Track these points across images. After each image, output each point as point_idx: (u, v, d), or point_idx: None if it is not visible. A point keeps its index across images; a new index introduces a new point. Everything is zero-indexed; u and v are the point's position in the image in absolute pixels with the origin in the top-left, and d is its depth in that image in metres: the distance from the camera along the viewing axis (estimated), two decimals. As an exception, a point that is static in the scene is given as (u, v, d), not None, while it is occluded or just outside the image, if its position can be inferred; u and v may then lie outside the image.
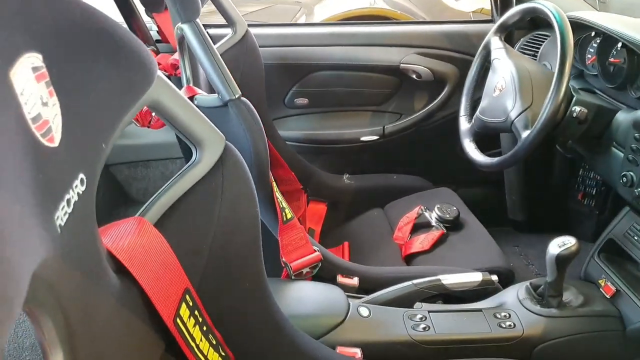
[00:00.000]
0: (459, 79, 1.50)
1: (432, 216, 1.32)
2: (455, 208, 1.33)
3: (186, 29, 0.85)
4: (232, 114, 0.85)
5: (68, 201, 0.35)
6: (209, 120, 0.61)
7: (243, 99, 0.87)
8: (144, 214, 0.54)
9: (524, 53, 1.38)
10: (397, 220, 1.39)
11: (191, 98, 0.94)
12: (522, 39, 1.44)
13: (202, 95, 0.92)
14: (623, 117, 0.98)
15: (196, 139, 0.59)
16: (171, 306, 0.50)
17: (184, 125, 0.57)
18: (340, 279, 1.02)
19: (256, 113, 0.88)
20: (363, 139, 1.58)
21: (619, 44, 1.04)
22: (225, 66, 0.85)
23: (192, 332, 0.54)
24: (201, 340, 0.56)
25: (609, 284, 0.97)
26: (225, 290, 0.62)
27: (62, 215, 0.34)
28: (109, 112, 0.43)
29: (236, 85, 0.85)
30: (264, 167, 0.91)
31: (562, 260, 0.88)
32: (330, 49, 1.52)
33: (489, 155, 1.13)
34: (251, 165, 0.90)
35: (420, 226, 1.33)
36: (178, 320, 0.51)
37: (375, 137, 1.58)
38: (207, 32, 1.46)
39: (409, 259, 1.27)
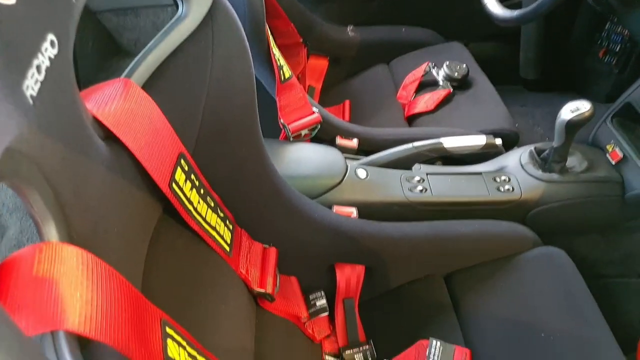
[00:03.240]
0: None
1: (440, 74, 1.25)
2: (465, 65, 1.25)
3: None
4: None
5: (38, 67, 0.31)
6: None
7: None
8: (129, 75, 0.49)
9: None
10: (403, 78, 1.32)
11: None
12: None
13: None
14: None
15: None
16: (165, 171, 0.49)
17: None
18: (339, 140, 1.00)
19: (247, -45, 0.76)
20: (370, -17, 1.42)
21: None
22: None
23: (189, 196, 0.53)
24: (199, 202, 0.56)
25: (617, 149, 0.94)
26: (221, 154, 0.60)
27: (32, 84, 0.30)
28: None
29: None
30: (259, 19, 0.82)
31: (572, 126, 0.84)
32: None
33: (507, 7, 1.02)
34: (244, 18, 0.81)
35: (427, 84, 1.27)
36: (174, 185, 0.50)
37: (384, -17, 1.42)
38: None
39: (412, 119, 1.23)
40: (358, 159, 0.98)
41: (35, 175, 0.31)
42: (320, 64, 1.42)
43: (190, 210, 0.53)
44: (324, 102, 1.37)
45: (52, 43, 0.32)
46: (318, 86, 1.40)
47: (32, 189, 0.31)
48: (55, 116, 0.33)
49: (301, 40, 1.28)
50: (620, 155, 0.93)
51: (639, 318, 0.98)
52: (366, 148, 1.04)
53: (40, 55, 0.31)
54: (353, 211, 0.86)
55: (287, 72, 0.92)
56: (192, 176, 0.54)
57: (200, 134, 0.55)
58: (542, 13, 0.90)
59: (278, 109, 0.92)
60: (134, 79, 0.48)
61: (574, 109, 0.83)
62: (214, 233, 0.57)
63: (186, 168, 0.52)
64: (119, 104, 0.43)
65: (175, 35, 0.52)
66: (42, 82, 0.31)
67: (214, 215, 0.58)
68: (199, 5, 0.52)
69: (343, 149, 0.98)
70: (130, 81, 0.47)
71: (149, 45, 0.50)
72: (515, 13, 0.97)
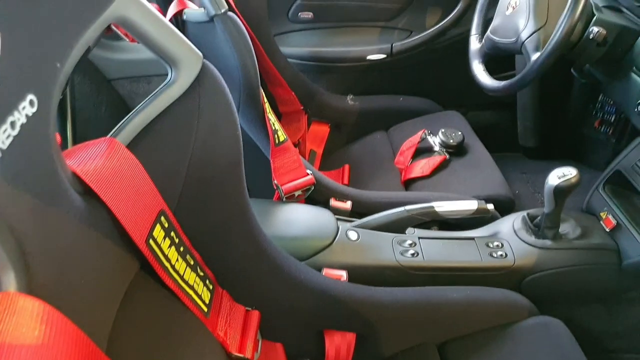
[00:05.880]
0: (475, -8, 1.38)
1: (436, 141, 1.28)
2: (460, 133, 1.28)
3: None
4: (218, 30, 0.80)
5: (12, 123, 0.34)
6: (184, 38, 0.57)
7: (230, 14, 0.80)
8: (115, 134, 0.52)
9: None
10: (400, 144, 1.35)
11: (180, 12, 0.88)
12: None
13: (191, 10, 0.86)
14: (647, 39, 0.89)
15: (170, 57, 0.55)
16: (143, 227, 0.50)
17: (156, 43, 0.53)
18: (333, 202, 1.02)
19: (244, 29, 0.82)
20: (369, 57, 1.49)
21: (653, -46, 0.92)
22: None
23: (167, 253, 0.54)
24: (177, 260, 0.56)
25: (610, 216, 0.94)
26: (204, 212, 0.61)
27: (3, 138, 0.33)
28: (62, 28, 0.39)
29: (222, -1, 0.79)
30: (254, 86, 0.87)
31: (560, 192, 0.85)
32: (337, -43, 1.40)
33: (503, 78, 1.06)
34: (240, 85, 0.86)
35: (423, 151, 1.30)
36: (151, 242, 0.51)
37: (383, 56, 1.49)
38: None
39: (409, 184, 1.25)
40: (351, 221, 0.98)
41: None
42: (322, 130, 1.47)
43: (167, 268, 0.53)
44: (325, 166, 1.41)
45: (31, 102, 0.35)
46: (319, 151, 1.44)
47: None
48: (26, 169, 0.35)
49: (302, 107, 1.33)
50: (614, 222, 0.92)
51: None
52: (360, 210, 1.04)
53: (16, 113, 0.34)
54: (343, 274, 0.85)
55: (281, 135, 0.95)
56: (172, 233, 0.55)
57: (184, 191, 0.57)
58: (526, 83, 0.94)
59: (272, 171, 0.94)
60: (119, 138, 0.51)
61: (561, 175, 0.84)
62: (191, 292, 0.57)
63: (166, 225, 0.54)
64: (101, 161, 0.46)
65: (164, 99, 0.55)
66: (14, 137, 0.33)
67: (193, 274, 0.58)
68: (188, 72, 0.56)
69: (336, 211, 0.99)
70: (115, 140, 0.49)
71: (137, 107, 0.53)
72: (502, 84, 1.01)
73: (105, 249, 0.46)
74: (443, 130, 1.28)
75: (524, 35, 0.94)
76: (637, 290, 0.97)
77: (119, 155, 0.48)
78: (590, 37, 0.89)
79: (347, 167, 1.36)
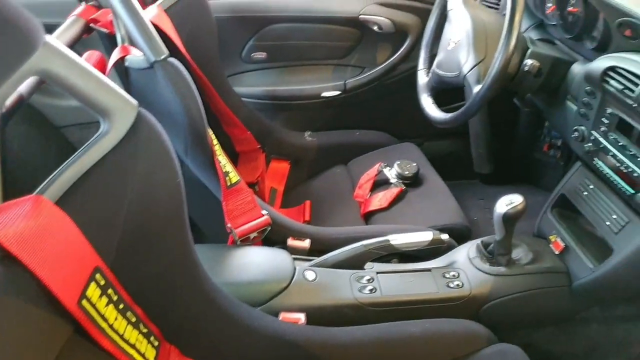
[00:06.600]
0: (421, 30, 1.43)
1: (392, 173, 1.30)
2: (415, 164, 1.31)
3: (102, -20, 0.78)
4: (159, 76, 0.80)
5: None
6: (116, 87, 0.56)
7: (171, 59, 0.81)
8: (42, 191, 0.50)
9: (487, 1, 1.31)
10: (359, 178, 1.37)
11: (122, 59, 0.87)
12: (486, -14, 1.36)
13: (133, 56, 0.86)
14: (578, 69, 0.94)
15: (101, 109, 0.54)
16: (75, 288, 0.48)
17: (84, 94, 0.52)
18: (290, 241, 1.01)
19: (186, 74, 0.82)
20: (324, 94, 1.52)
21: (579, -9, 0.98)
22: (147, 23, 0.78)
23: (103, 313, 0.52)
24: (116, 319, 0.53)
25: (558, 239, 0.96)
26: (144, 263, 0.59)
27: None
28: None
29: (162, 45, 0.79)
30: (200, 130, 0.86)
31: (509, 219, 0.86)
32: (286, 0, 1.44)
33: (453, 109, 1.10)
34: (185, 130, 0.85)
35: (381, 183, 1.31)
36: (84, 302, 0.49)
37: (337, 93, 1.52)
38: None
39: (368, 217, 1.25)
40: (309, 260, 0.97)
41: None
42: (282, 167, 1.47)
43: (103, 329, 0.51)
44: (287, 203, 1.40)
45: None
46: (280, 188, 1.44)
47: None
48: None
49: (258, 146, 1.33)
50: (562, 245, 0.94)
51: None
52: (319, 248, 1.04)
53: None
54: (301, 317, 0.83)
55: (234, 177, 0.94)
56: (110, 291, 0.53)
57: (121, 243, 0.55)
58: (471, 115, 0.97)
59: (225, 214, 0.93)
60: (47, 195, 0.49)
61: (508, 202, 0.86)
62: (132, 352, 0.55)
63: (102, 282, 0.51)
64: (23, 222, 0.44)
65: (96, 151, 0.53)
66: None
67: (135, 332, 0.56)
68: (121, 121, 0.55)
69: (294, 250, 0.98)
70: (41, 198, 0.47)
71: (67, 161, 0.52)
72: (449, 116, 1.04)
73: (30, 317, 0.43)
74: (398, 162, 1.30)
75: (465, 69, 0.97)
76: (589, 311, 0.99)
77: (45, 213, 0.46)
78: (526, 69, 0.93)
79: (308, 203, 1.36)
